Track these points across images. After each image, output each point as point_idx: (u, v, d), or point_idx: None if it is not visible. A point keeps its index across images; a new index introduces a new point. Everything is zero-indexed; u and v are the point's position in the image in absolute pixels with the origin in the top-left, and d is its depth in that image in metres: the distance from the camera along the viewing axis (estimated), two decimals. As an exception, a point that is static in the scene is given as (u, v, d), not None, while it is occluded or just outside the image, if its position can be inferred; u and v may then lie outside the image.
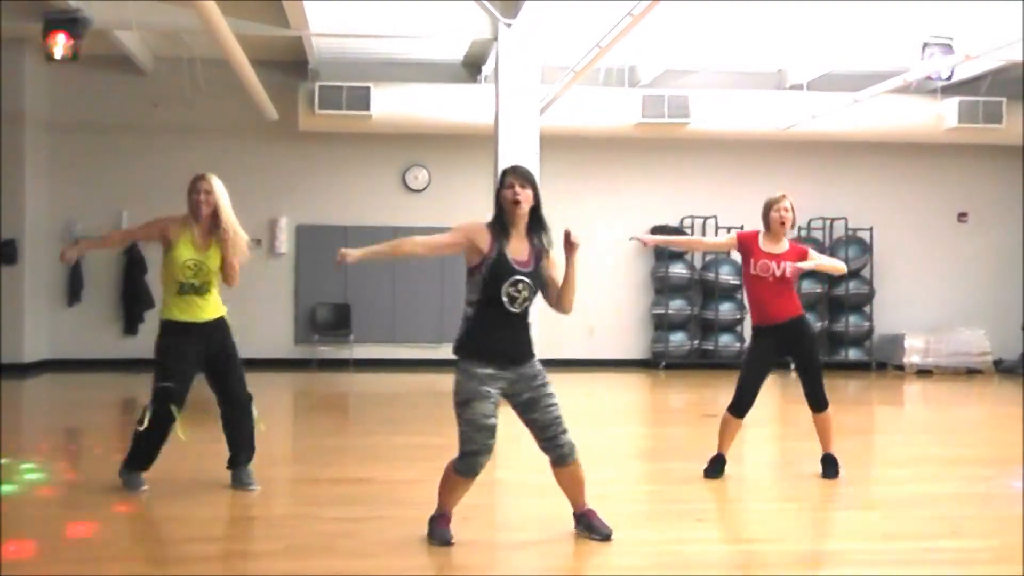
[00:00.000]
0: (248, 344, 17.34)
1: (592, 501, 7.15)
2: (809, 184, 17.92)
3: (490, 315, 5.83)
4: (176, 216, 7.42)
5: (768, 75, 17.69)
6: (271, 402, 13.63)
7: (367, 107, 16.09)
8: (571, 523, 6.52)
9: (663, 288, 17.56)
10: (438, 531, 5.93)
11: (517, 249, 5.87)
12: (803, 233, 17.59)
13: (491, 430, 5.81)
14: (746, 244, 7.93)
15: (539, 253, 5.94)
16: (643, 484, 8.15)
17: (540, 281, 5.93)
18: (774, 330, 7.82)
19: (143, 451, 7.31)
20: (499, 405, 5.88)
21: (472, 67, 17.29)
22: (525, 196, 5.88)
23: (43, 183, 16.72)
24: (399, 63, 17.08)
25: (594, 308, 17.53)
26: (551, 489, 7.56)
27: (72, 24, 12.12)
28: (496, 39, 13.61)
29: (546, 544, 6.04)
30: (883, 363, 17.85)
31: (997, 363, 17.67)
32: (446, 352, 18.38)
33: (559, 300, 6.05)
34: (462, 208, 17.22)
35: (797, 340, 7.87)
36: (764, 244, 7.89)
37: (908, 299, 18.23)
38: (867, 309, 17.99)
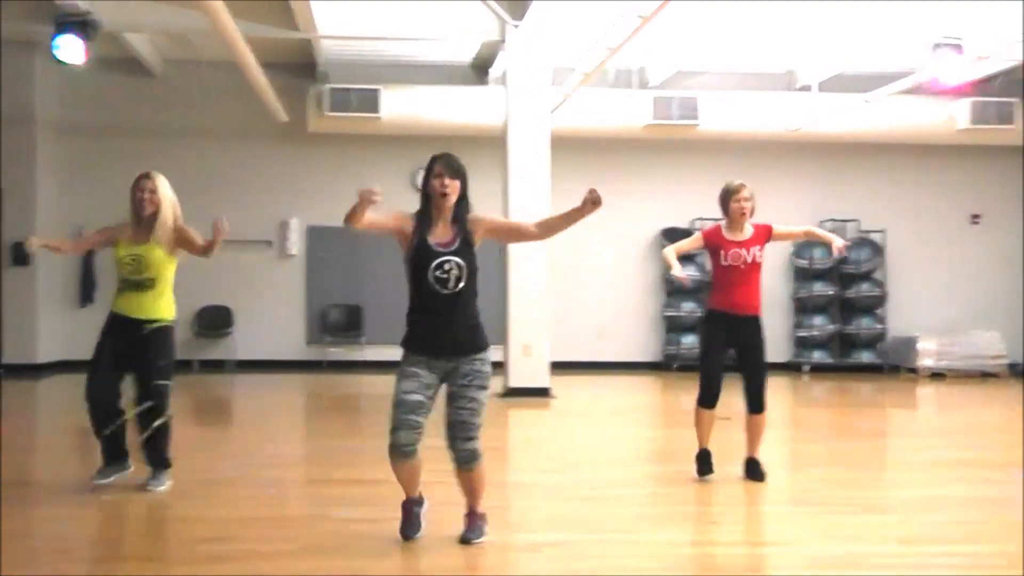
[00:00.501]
0: (259, 345, 17.66)
1: (604, 503, 7.16)
2: (820, 186, 17.92)
3: (424, 303, 5.82)
4: (122, 223, 7.51)
5: (778, 76, 17.66)
6: (283, 403, 13.66)
7: (376, 109, 16.11)
8: (585, 525, 6.51)
9: (674, 290, 17.52)
10: (403, 527, 6.04)
11: (441, 234, 5.82)
12: (814, 235, 17.56)
13: (408, 406, 5.81)
14: (712, 240, 7.95)
15: (465, 234, 5.85)
16: (656, 486, 8.12)
17: (468, 258, 5.82)
18: (729, 320, 7.80)
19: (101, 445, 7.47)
20: (432, 388, 5.88)
21: (481, 69, 17.29)
22: (453, 187, 5.80)
23: (54, 185, 16.75)
24: (408, 65, 17.08)
25: (604, 310, 17.54)
26: (565, 491, 7.58)
27: (82, 27, 12.14)
28: (504, 41, 13.63)
29: (560, 546, 6.03)
30: (896, 366, 17.77)
31: (1012, 366, 17.56)
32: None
33: (542, 228, 6.05)
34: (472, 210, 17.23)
35: (750, 339, 7.82)
36: (729, 235, 7.91)
37: (921, 301, 18.17)
38: (880, 311, 17.95)
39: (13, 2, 12.64)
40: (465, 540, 5.96)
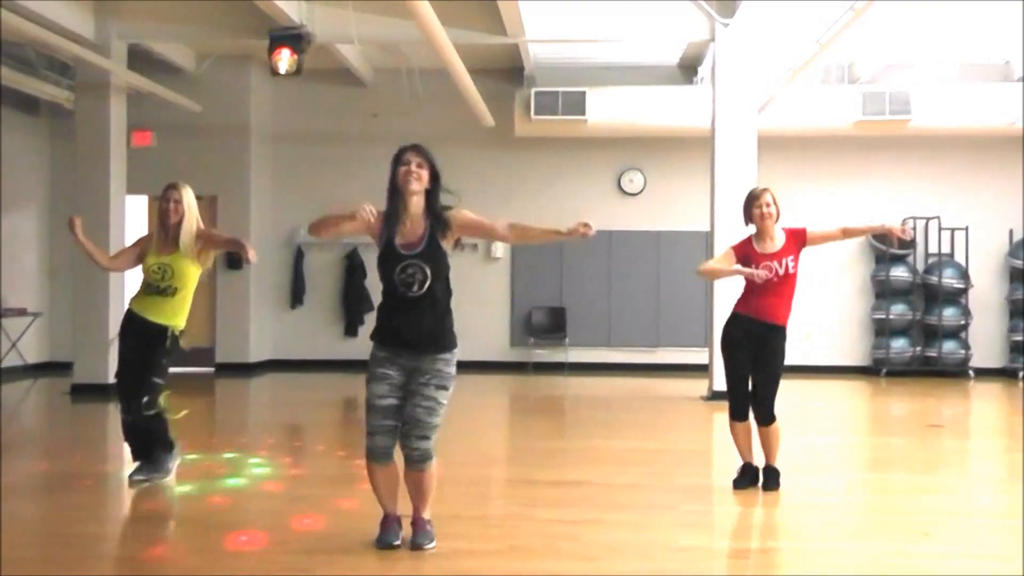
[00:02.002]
0: (464, 347, 17.74)
1: (812, 511, 7.04)
2: (1041, 182, 17.15)
3: (391, 301, 5.76)
4: (149, 234, 7.93)
5: (994, 67, 17.00)
6: (487, 404, 13.84)
7: (582, 112, 16.16)
8: (793, 533, 6.42)
9: (884, 292, 17.06)
10: (381, 534, 5.93)
11: (409, 232, 5.73)
12: (1032, 234, 16.87)
13: (382, 411, 5.72)
14: (742, 253, 7.66)
15: (434, 233, 5.72)
16: (865, 495, 7.93)
17: (434, 260, 5.69)
18: (750, 324, 7.58)
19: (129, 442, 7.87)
20: (402, 388, 5.74)
21: (688, 69, 17.19)
22: (421, 175, 5.72)
23: (266, 191, 17.42)
24: (614, 67, 17.10)
25: (812, 313, 17.18)
26: (771, 498, 7.47)
27: (296, 40, 12.59)
28: (713, 40, 13.53)
29: (767, 553, 5.96)
30: None
31: None
32: (663, 356, 18.22)
33: (514, 232, 5.83)
34: (678, 211, 17.19)
35: (768, 347, 7.57)
36: (759, 245, 7.63)
37: None
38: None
39: (230, 17, 13.18)
40: (417, 546, 5.86)
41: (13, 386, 14.48)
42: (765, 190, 7.65)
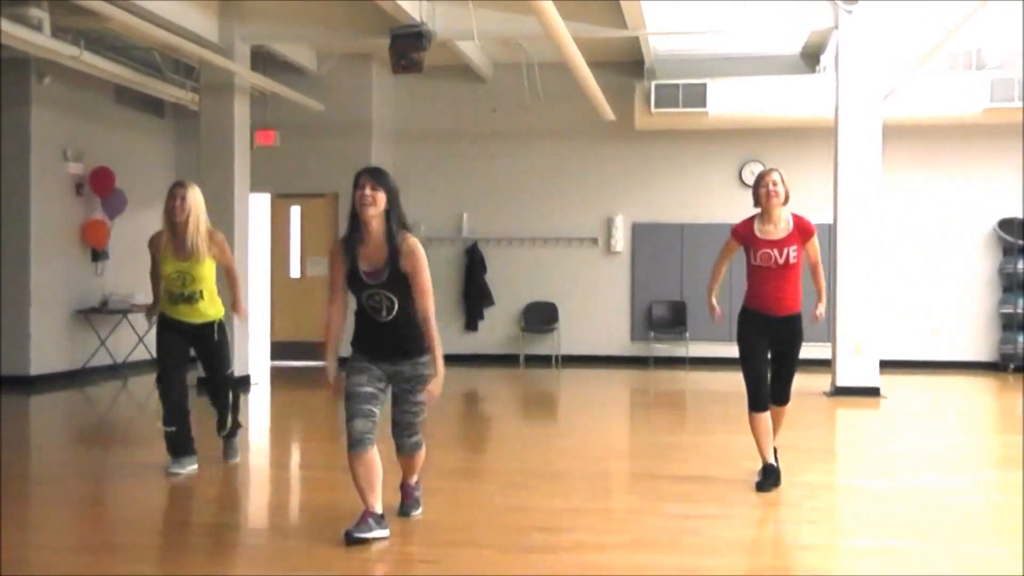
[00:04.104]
0: (584, 341, 17.96)
1: (938, 511, 6.89)
2: None
3: (364, 320, 5.99)
4: (159, 233, 7.83)
5: None
6: (608, 398, 13.83)
7: (703, 104, 16.03)
8: (918, 532, 6.30)
9: (1012, 285, 16.60)
10: (351, 529, 5.83)
11: (373, 257, 5.83)
12: None
13: (361, 397, 5.87)
14: (743, 236, 7.48)
15: (395, 261, 5.78)
16: (994, 495, 7.74)
17: (398, 287, 5.82)
18: (764, 319, 7.42)
19: (169, 439, 7.96)
20: (382, 381, 5.99)
21: (810, 58, 16.94)
22: (377, 198, 5.74)
23: (389, 188, 17.57)
24: (735, 58, 16.93)
25: (938, 307, 16.84)
26: (895, 496, 7.38)
27: (416, 37, 12.71)
28: (836, 27, 13.32)
29: (890, 553, 5.85)
30: None
31: None
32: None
33: (425, 318, 5.90)
34: (800, 203, 16.87)
35: (785, 338, 7.42)
36: (761, 230, 7.40)
37: None
38: None
39: (351, 17, 13.34)
40: (405, 513, 6.40)
41: (140, 380, 14.83)
42: (773, 170, 7.51)
